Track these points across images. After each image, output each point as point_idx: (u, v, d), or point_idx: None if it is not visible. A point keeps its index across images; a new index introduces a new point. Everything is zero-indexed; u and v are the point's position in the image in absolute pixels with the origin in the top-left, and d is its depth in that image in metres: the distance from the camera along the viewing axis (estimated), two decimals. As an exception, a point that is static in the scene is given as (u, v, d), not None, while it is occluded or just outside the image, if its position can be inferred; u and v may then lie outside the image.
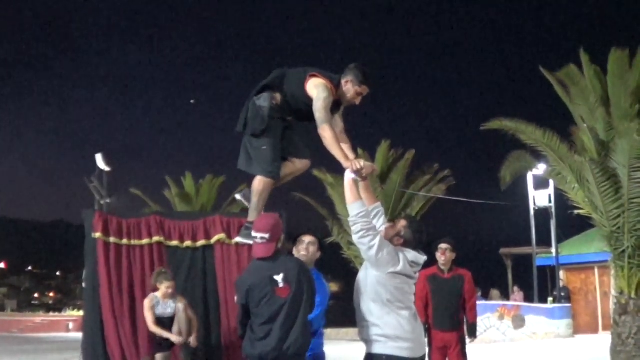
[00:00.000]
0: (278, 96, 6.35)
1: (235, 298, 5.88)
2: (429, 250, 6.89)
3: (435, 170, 28.16)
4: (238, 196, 6.89)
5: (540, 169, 22.08)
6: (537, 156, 16.18)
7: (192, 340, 8.77)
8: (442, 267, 9.62)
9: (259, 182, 6.36)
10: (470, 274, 9.77)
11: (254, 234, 5.69)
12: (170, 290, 8.76)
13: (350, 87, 6.20)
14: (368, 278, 5.63)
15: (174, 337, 8.73)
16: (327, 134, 5.93)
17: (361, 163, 5.83)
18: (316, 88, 6.10)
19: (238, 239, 6.88)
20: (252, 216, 6.50)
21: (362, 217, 5.58)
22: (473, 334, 9.79)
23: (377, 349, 5.54)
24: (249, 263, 7.02)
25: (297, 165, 6.61)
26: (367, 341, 5.63)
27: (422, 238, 5.80)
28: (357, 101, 6.32)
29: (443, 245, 9.58)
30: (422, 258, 5.78)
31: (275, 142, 6.33)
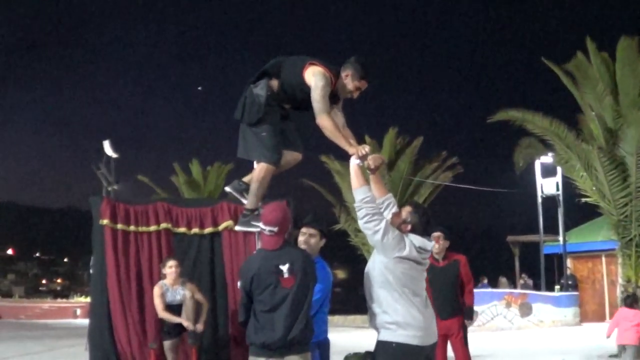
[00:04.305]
0: (275, 84, 6.33)
1: (239, 283, 5.88)
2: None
3: (442, 157, 28.16)
4: (228, 188, 6.84)
5: (549, 156, 22.04)
6: (546, 144, 16.18)
7: (199, 325, 8.79)
8: (436, 256, 9.60)
9: (260, 169, 6.35)
10: (464, 257, 9.76)
11: (262, 226, 5.67)
12: (173, 269, 8.78)
13: (349, 81, 6.16)
14: (376, 265, 5.64)
15: (185, 322, 8.76)
16: (327, 123, 5.92)
17: (366, 149, 5.83)
18: (314, 76, 6.06)
19: (238, 228, 6.87)
20: (250, 203, 6.49)
21: (367, 202, 5.60)
22: (470, 317, 9.80)
23: (387, 337, 5.55)
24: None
25: (286, 157, 6.56)
26: (378, 329, 5.64)
27: (428, 222, 5.81)
28: (355, 95, 6.28)
29: (436, 234, 9.54)
30: (430, 244, 5.79)
31: (274, 128, 6.32)
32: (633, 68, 14.50)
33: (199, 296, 8.90)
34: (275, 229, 5.59)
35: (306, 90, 6.08)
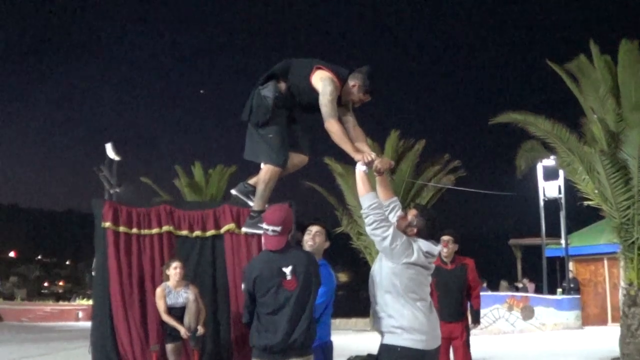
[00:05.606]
0: (283, 86, 6.35)
1: (243, 285, 5.90)
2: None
3: (445, 160, 28.15)
4: (234, 191, 6.85)
5: (551, 159, 22.04)
6: (548, 147, 16.16)
7: (200, 328, 8.78)
8: (445, 259, 9.61)
9: (266, 171, 6.37)
10: (473, 261, 9.77)
11: (265, 226, 5.68)
12: (178, 270, 8.78)
13: (355, 91, 6.20)
14: (383, 269, 5.63)
15: (182, 330, 8.74)
16: (334, 128, 5.93)
17: (372, 155, 5.83)
18: (322, 81, 6.08)
19: (244, 229, 6.90)
20: (257, 205, 6.51)
21: (374, 208, 5.59)
22: (477, 320, 9.87)
23: (392, 340, 5.55)
24: (258, 253, 7.02)
25: (293, 160, 6.58)
26: (382, 332, 5.64)
27: (434, 225, 5.80)
28: (357, 105, 6.34)
29: (445, 237, 9.56)
30: (437, 249, 5.79)
31: (281, 130, 6.35)
32: (634, 71, 14.49)
33: (200, 303, 8.90)
34: (279, 229, 5.60)
35: (313, 93, 6.10)
